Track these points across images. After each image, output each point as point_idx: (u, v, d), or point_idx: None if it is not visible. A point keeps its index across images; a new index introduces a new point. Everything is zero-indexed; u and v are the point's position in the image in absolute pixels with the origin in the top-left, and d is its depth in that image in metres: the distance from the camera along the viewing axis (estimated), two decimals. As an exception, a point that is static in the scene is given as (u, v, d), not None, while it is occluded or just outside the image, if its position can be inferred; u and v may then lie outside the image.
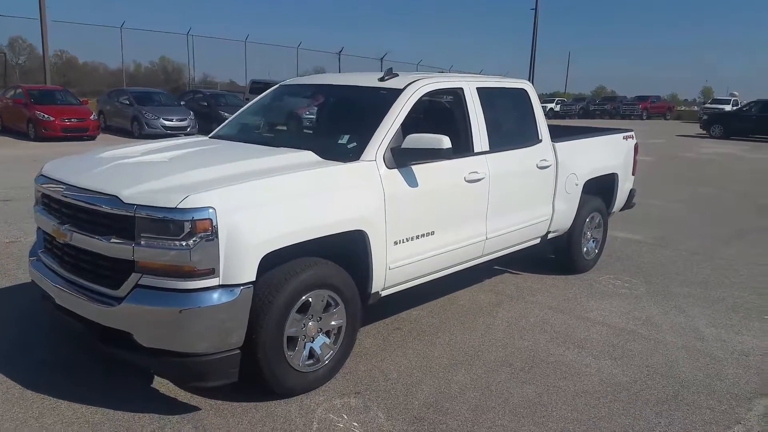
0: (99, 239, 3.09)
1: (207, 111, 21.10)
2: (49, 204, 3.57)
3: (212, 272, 2.97)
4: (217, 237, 2.94)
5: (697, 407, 3.50)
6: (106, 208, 3.05)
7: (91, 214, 3.15)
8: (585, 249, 6.04)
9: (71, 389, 3.45)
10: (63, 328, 4.20)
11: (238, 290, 3.03)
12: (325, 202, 3.43)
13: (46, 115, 16.86)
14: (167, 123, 18.70)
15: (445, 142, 3.79)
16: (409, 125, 4.01)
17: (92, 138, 17.60)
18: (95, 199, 3.11)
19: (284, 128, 4.71)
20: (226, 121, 4.96)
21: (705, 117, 31.10)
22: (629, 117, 42.74)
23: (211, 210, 2.92)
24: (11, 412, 3.23)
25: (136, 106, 19.17)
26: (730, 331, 4.68)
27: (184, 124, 19.08)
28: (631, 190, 6.69)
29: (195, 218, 2.90)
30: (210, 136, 4.72)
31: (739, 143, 25.09)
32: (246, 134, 4.60)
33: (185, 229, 2.90)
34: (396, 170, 3.83)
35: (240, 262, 3.02)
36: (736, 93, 52.22)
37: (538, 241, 5.46)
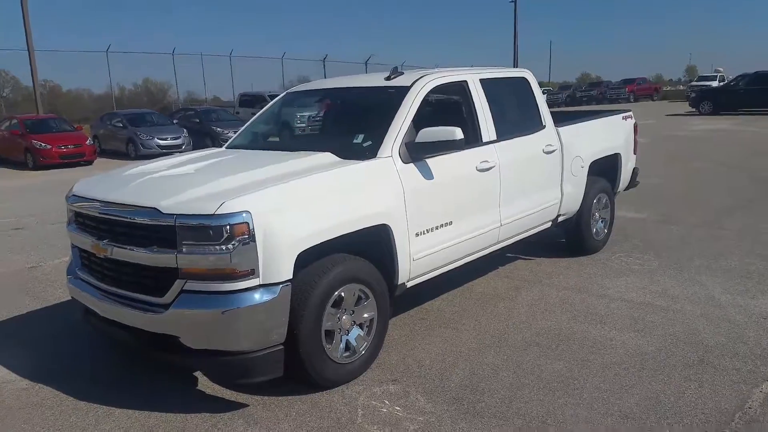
0: (141, 251, 3.22)
1: (199, 127, 21.23)
2: (84, 222, 3.69)
3: (252, 273, 3.10)
4: (254, 239, 3.07)
5: (723, 369, 3.64)
6: (145, 221, 3.19)
7: (130, 227, 3.29)
8: (594, 230, 6.19)
9: (121, 397, 3.58)
10: (103, 342, 4.35)
11: (277, 288, 3.17)
12: (351, 200, 3.57)
13: (42, 144, 16.96)
14: (162, 142, 18.82)
15: (458, 133, 3.93)
16: (419, 120, 4.15)
17: (89, 163, 17.70)
18: (134, 212, 3.25)
19: (298, 133, 4.87)
20: (239, 132, 5.10)
21: (693, 95, 31.31)
22: (617, 101, 42.95)
23: (246, 214, 3.06)
24: (69, 421, 3.35)
25: (129, 128, 19.28)
26: (745, 296, 4.83)
27: (178, 141, 19.19)
28: (634, 169, 6.84)
29: (232, 223, 3.03)
30: (226, 146, 4.85)
31: (728, 118, 25.31)
32: (261, 142, 4.75)
33: (224, 234, 3.03)
34: (412, 164, 3.97)
35: (277, 262, 3.16)
36: (721, 69, 52.61)
37: (549, 224, 5.61)
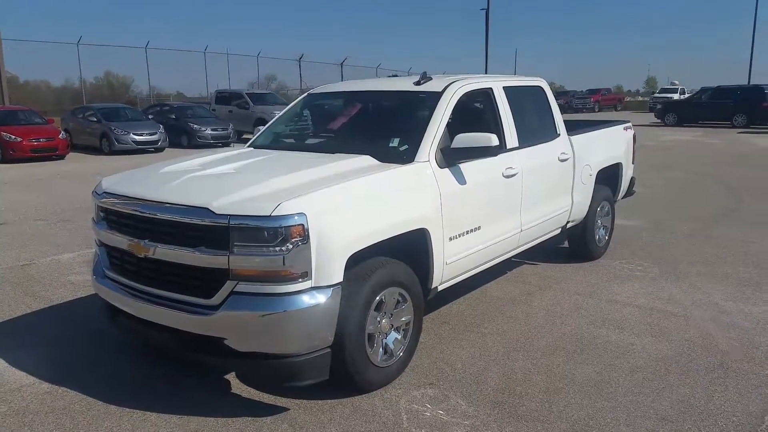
0: (188, 251, 3.16)
1: (175, 123, 20.87)
2: (118, 221, 3.60)
3: (306, 275, 3.09)
4: (308, 241, 3.06)
5: (743, 373, 3.79)
6: (195, 220, 3.13)
7: (177, 227, 3.22)
8: (597, 237, 6.34)
9: (153, 401, 3.50)
10: (122, 344, 4.25)
11: (329, 291, 3.16)
12: (395, 203, 3.58)
13: (12, 137, 16.37)
14: (137, 138, 18.41)
15: (494, 139, 3.99)
16: (449, 126, 4.19)
17: (62, 157, 17.18)
18: (183, 212, 3.19)
19: (330, 135, 4.83)
20: (261, 131, 5.05)
21: (659, 106, 32.29)
22: (582, 110, 43.84)
23: (302, 216, 3.04)
24: (103, 426, 3.27)
25: (104, 122, 18.79)
26: (747, 303, 5.02)
27: (154, 138, 18.82)
28: (632, 178, 7.04)
29: (288, 224, 3.01)
30: (250, 145, 4.81)
31: (692, 129, 26.23)
32: (291, 143, 4.72)
33: (280, 236, 3.01)
34: (447, 169, 4.01)
35: (329, 264, 3.15)
36: (676, 81, 54.34)
37: (559, 231, 5.72)
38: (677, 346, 4.20)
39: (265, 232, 3.01)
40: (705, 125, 28.07)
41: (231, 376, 3.81)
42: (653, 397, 3.51)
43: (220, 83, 37.95)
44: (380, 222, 3.45)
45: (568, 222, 5.75)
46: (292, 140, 4.88)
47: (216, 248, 3.09)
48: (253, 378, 3.71)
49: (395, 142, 4.14)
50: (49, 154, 16.77)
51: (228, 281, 3.10)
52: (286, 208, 3.03)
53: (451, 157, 4.02)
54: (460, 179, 4.08)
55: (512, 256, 5.19)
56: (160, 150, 19.14)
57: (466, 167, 4.14)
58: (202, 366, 3.78)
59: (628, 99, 59.09)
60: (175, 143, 20.18)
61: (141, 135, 18.51)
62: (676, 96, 42.26)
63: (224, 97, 24.69)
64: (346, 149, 4.09)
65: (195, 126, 20.46)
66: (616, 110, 46.66)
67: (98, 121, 19.06)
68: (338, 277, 3.20)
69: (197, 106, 23.22)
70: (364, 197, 3.43)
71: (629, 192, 7.16)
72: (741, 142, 20.71)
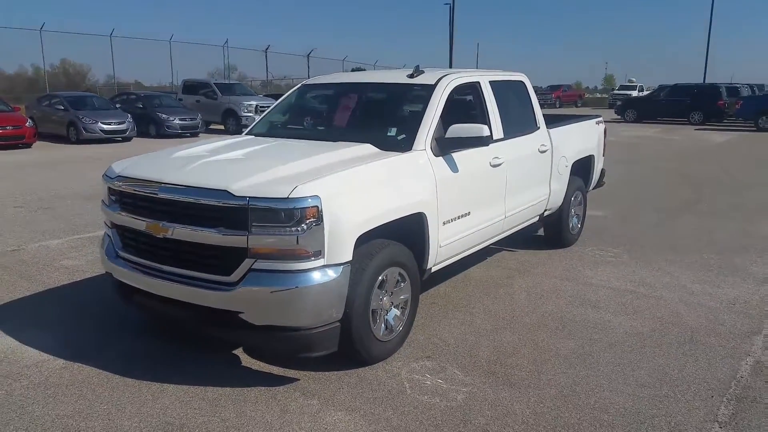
0: (208, 231, 3.36)
1: (142, 112, 20.65)
2: (133, 203, 3.76)
3: (319, 254, 3.32)
4: (322, 222, 3.29)
5: (711, 346, 4.17)
6: (215, 202, 3.33)
7: (196, 208, 3.41)
8: (571, 224, 6.71)
9: (168, 374, 3.69)
10: (131, 323, 4.42)
11: (339, 269, 3.40)
12: (397, 188, 3.84)
13: (-23, 124, 16.01)
14: (106, 127, 18.18)
15: (485, 130, 4.28)
16: (441, 117, 4.46)
17: (28, 146, 16.84)
18: (203, 193, 3.37)
19: (329, 124, 5.05)
20: (258, 121, 5.23)
21: (619, 103, 33.26)
22: (543, 106, 44.42)
23: (317, 198, 3.27)
24: (124, 397, 3.45)
25: (71, 110, 18.47)
26: (711, 285, 5.45)
27: (122, 127, 18.60)
28: (602, 170, 7.44)
29: (304, 206, 3.24)
30: (248, 133, 4.99)
31: (651, 126, 27.18)
32: (292, 131, 4.93)
33: (296, 216, 3.23)
34: (441, 158, 4.28)
35: (340, 244, 3.39)
36: (633, 79, 55.91)
37: (537, 218, 6.06)
38: (650, 323, 4.57)
39: (282, 213, 3.23)
40: (663, 122, 29.11)
41: (239, 351, 4.02)
42: (632, 367, 3.86)
43: (180, 73, 37.52)
44: (385, 205, 3.70)
45: (545, 210, 6.09)
46: (291, 129, 5.09)
47: (235, 228, 3.29)
48: (261, 352, 3.93)
49: (393, 132, 4.39)
50: (16, 142, 16.43)
51: (247, 259, 3.30)
52: (301, 191, 3.25)
53: (445, 147, 4.29)
54: (453, 167, 4.35)
55: (493, 242, 5.50)
56: (128, 139, 18.94)
57: (458, 156, 4.41)
58: (213, 341, 3.99)
59: (587, 96, 60.49)
60: (142, 133, 19.98)
61: (109, 124, 18.29)
62: (634, 93, 43.54)
63: (192, 87, 24.44)
64: (347, 138, 4.32)
65: (163, 116, 20.30)
66: (576, 106, 47.68)
67: (65, 109, 18.73)
68: (348, 255, 3.44)
69: (165, 96, 22.99)
70: (371, 182, 3.68)
71: (600, 183, 7.57)
72: (698, 138, 21.61)
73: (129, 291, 3.93)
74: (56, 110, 19.09)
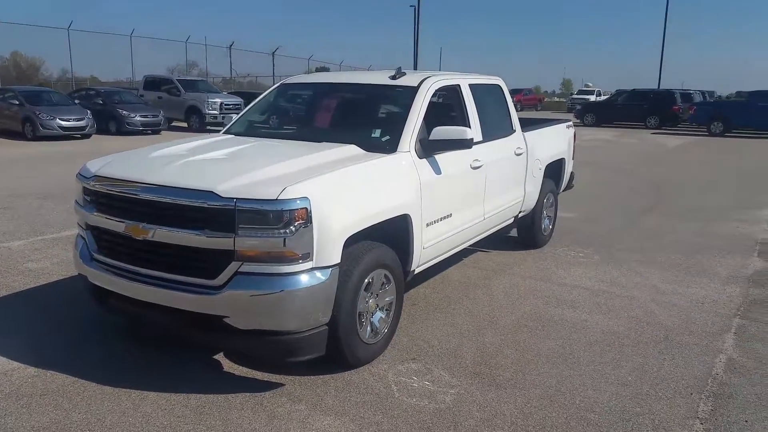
0: (191, 233, 3.27)
1: (102, 109, 20.12)
2: (110, 203, 3.64)
3: (307, 256, 3.27)
4: (311, 224, 3.24)
5: (686, 345, 4.28)
6: (200, 203, 3.24)
7: (179, 210, 3.31)
8: (543, 226, 6.81)
9: (148, 381, 3.57)
10: (104, 328, 4.28)
11: (328, 271, 3.36)
12: (384, 190, 3.82)
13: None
14: (64, 123, 17.62)
15: (469, 132, 4.30)
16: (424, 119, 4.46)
17: (-19, 142, 16.23)
18: (187, 194, 3.28)
19: (312, 125, 4.98)
20: (235, 120, 5.12)
21: (578, 107, 33.95)
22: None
23: (306, 199, 3.22)
24: (104, 406, 3.32)
25: (27, 106, 17.80)
26: (681, 285, 5.61)
27: (81, 123, 18.06)
28: (571, 173, 7.57)
29: (293, 208, 3.18)
30: (226, 132, 4.88)
31: (609, 130, 27.82)
32: (273, 131, 4.84)
33: (285, 218, 3.17)
34: (425, 160, 4.28)
35: (329, 246, 3.35)
36: (590, 83, 57.22)
37: (512, 220, 6.12)
38: (626, 323, 4.67)
39: (271, 215, 3.17)
40: (621, 126, 29.83)
41: (220, 356, 3.93)
42: (612, 366, 3.93)
43: (139, 68, 36.66)
44: (373, 207, 3.68)
45: (520, 212, 6.16)
46: (272, 128, 5.00)
47: (221, 230, 3.21)
48: (243, 356, 3.85)
49: (377, 133, 4.37)
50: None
51: (233, 262, 3.23)
52: (291, 192, 3.20)
53: (428, 149, 4.29)
54: (436, 169, 4.35)
55: (471, 244, 5.53)
56: (87, 136, 18.40)
57: (441, 158, 4.42)
58: (192, 345, 3.89)
59: (546, 100, 61.57)
60: (102, 130, 19.45)
61: (68, 120, 17.73)
62: (592, 98, 44.53)
63: (153, 83, 23.92)
64: (331, 138, 4.27)
65: (124, 112, 19.82)
66: (536, 110, 48.53)
67: (21, 104, 18.04)
68: (336, 258, 3.40)
69: (125, 92, 22.47)
70: (359, 183, 3.65)
71: (569, 185, 7.70)
72: (655, 141, 22.24)
73: (104, 294, 3.80)
74: (10, 105, 18.37)
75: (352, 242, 3.56)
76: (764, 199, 10.25)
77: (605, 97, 40.90)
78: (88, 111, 18.74)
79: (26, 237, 6.80)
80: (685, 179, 12.60)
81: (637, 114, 29.40)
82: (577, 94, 51.85)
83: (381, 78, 4.85)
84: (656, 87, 37.96)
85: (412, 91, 4.52)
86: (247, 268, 3.24)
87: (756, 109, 24.32)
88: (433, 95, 4.64)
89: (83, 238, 3.92)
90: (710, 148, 20.19)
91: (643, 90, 31.34)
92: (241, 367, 3.80)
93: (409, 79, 4.69)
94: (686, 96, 29.90)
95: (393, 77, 4.75)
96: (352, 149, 4.05)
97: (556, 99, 70.13)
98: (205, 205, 3.23)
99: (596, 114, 31.09)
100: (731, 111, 25.83)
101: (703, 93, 33.85)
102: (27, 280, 5.31)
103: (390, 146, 4.17)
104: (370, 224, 3.64)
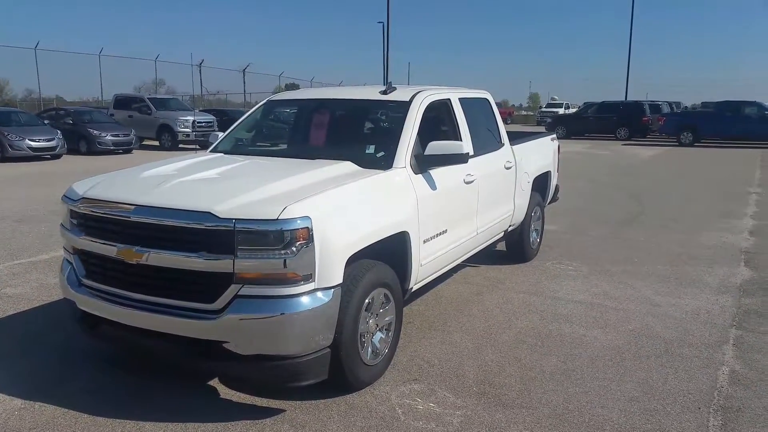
0: (188, 256, 3.14)
1: (72, 128, 19.69)
2: (100, 226, 3.48)
3: (309, 277, 3.16)
4: (313, 243, 3.14)
5: (687, 357, 4.26)
6: (196, 225, 3.11)
7: (175, 232, 3.18)
8: (531, 239, 6.79)
9: (142, 411, 3.41)
10: (91, 356, 4.10)
11: (330, 292, 3.26)
12: (383, 207, 3.74)
13: None
14: (34, 144, 17.16)
15: (465, 147, 4.25)
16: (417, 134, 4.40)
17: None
18: (183, 216, 3.15)
19: (304, 142, 4.88)
20: (222, 137, 4.98)
21: (549, 120, 34.46)
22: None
23: (307, 219, 3.12)
24: (97, 439, 3.15)
25: (-6, 127, 17.35)
26: (673, 296, 5.61)
27: (51, 144, 17.63)
28: (557, 186, 7.59)
29: (295, 227, 3.08)
30: (213, 151, 4.74)
31: (580, 142, 28.18)
32: (263, 148, 4.73)
33: (286, 239, 3.07)
34: (420, 175, 4.21)
35: (331, 266, 3.24)
36: (556, 96, 58.22)
37: (502, 234, 6.09)
38: (624, 336, 4.64)
39: (272, 236, 3.06)
40: (592, 138, 30.28)
41: (215, 382, 3.78)
42: (617, 382, 3.88)
43: (106, 87, 36.15)
44: (374, 225, 3.59)
45: (510, 225, 6.13)
46: (261, 146, 4.89)
47: (219, 252, 3.09)
48: (240, 382, 3.71)
49: (371, 149, 4.30)
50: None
51: (232, 285, 3.11)
52: (291, 212, 3.10)
53: (424, 164, 4.23)
54: (432, 185, 4.29)
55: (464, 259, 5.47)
56: (57, 157, 17.98)
57: (435, 173, 4.36)
58: (186, 371, 3.73)
59: (515, 113, 62.36)
60: (72, 150, 19.02)
61: (37, 141, 17.28)
62: (561, 110, 45.28)
63: (124, 102, 23.55)
64: (324, 156, 4.18)
65: (94, 132, 19.44)
66: (506, 123, 48.96)
67: (-12, 125, 17.56)
68: (338, 278, 3.30)
69: (96, 111, 22.05)
70: (359, 201, 3.56)
71: (554, 198, 7.71)
72: (627, 153, 22.60)
73: (93, 321, 3.63)
74: (-24, 126, 17.85)
75: (353, 261, 3.46)
76: (742, 209, 10.42)
77: (574, 110, 41.56)
78: (58, 131, 18.30)
79: (2, 261, 6.53)
80: (661, 190, 12.77)
81: (608, 126, 29.91)
82: (546, 107, 52.63)
83: (371, 93, 4.79)
84: (623, 99, 38.70)
85: (404, 106, 4.47)
86: (247, 290, 3.12)
87: (724, 119, 24.99)
88: (426, 109, 4.59)
89: (70, 262, 3.75)
90: (682, 158, 20.58)
91: (612, 102, 31.98)
92: (239, 393, 3.65)
93: (400, 94, 4.63)
94: (655, 107, 30.58)
95: (384, 92, 4.69)
96: (348, 166, 3.96)
97: (524, 113, 71.05)
98: (203, 227, 3.11)
99: (567, 127, 31.50)
100: (700, 121, 26.47)
101: (670, 104, 34.66)
102: (7, 307, 5.08)
103: (385, 162, 4.09)
104: (371, 242, 3.55)
